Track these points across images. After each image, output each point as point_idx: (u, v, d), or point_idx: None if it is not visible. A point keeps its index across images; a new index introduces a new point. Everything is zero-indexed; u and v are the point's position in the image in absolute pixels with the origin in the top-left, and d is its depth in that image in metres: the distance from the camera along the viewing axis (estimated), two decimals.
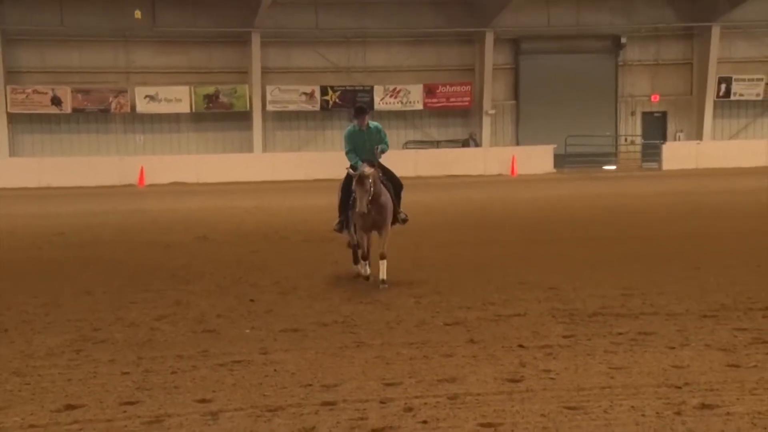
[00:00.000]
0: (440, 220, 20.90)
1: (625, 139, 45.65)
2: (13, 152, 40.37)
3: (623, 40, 44.23)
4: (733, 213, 21.01)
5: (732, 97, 45.00)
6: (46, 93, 40.23)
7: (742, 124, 46.05)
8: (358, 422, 6.32)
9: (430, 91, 43.26)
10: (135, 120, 41.70)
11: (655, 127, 45.71)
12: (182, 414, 6.57)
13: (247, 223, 21.10)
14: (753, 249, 14.80)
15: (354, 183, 11.70)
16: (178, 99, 41.22)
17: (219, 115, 42.11)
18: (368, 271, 12.18)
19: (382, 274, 11.85)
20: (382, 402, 6.77)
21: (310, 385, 7.26)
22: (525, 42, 44.29)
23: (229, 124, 42.38)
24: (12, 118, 40.23)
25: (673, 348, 8.22)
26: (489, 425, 6.21)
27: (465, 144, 43.85)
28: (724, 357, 7.89)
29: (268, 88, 41.95)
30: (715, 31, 43.81)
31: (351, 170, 11.96)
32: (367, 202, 11.54)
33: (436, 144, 44.07)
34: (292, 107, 42.48)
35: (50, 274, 13.78)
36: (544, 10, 43.73)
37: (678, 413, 6.39)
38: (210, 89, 41.64)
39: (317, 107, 42.54)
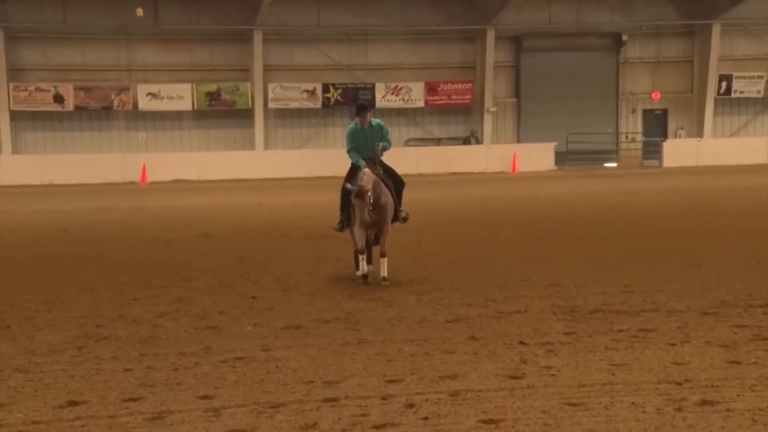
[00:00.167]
0: (441, 218, 20.90)
1: (626, 137, 45.65)
2: (15, 149, 40.41)
3: (624, 37, 44.24)
4: (734, 210, 21.00)
5: (732, 95, 45.01)
6: (49, 90, 40.28)
7: (743, 121, 46.04)
8: (359, 419, 6.33)
9: (431, 88, 43.27)
10: (137, 117, 41.73)
11: (656, 125, 45.72)
12: (184, 410, 6.59)
13: (248, 221, 21.12)
14: (753, 246, 14.81)
15: (353, 197, 11.63)
16: (180, 96, 41.25)
17: (221, 113, 42.14)
18: (365, 268, 12.00)
19: (384, 272, 11.86)
20: (383, 398, 6.78)
21: (312, 381, 7.27)
22: (526, 39, 44.28)
23: (231, 121, 42.40)
24: (15, 116, 40.27)
25: (674, 345, 8.24)
26: (490, 421, 6.22)
27: (466, 141, 43.84)
28: (724, 354, 7.90)
29: (270, 86, 41.97)
30: (716, 28, 43.80)
31: (349, 185, 11.84)
32: (369, 212, 11.54)
33: (438, 141, 44.07)
34: (293, 105, 42.51)
35: (53, 270, 13.80)
36: (545, 8, 43.72)
37: (679, 410, 6.40)
38: (212, 87, 41.67)
39: (319, 105, 42.57)
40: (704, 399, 6.61)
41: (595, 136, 42.91)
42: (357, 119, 12.53)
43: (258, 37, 41.26)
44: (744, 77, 44.86)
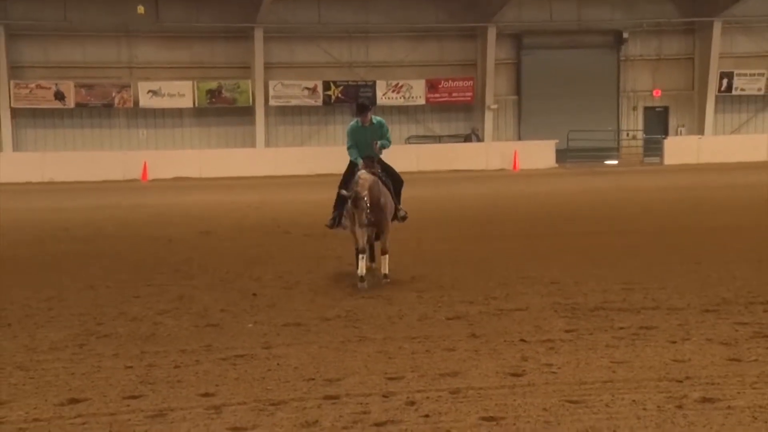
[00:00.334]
0: (442, 215, 20.91)
1: (627, 134, 45.63)
2: (16, 147, 40.40)
3: (625, 35, 44.21)
4: (735, 208, 21.00)
5: (733, 92, 44.97)
6: (50, 88, 40.28)
7: (744, 118, 46.02)
8: (360, 416, 6.34)
9: (432, 86, 43.26)
10: (138, 115, 41.73)
11: (657, 122, 45.70)
12: (185, 408, 6.60)
13: (249, 218, 21.13)
14: (754, 243, 14.81)
15: (350, 203, 11.56)
16: (181, 94, 41.25)
17: (222, 110, 42.12)
18: (363, 270, 11.65)
19: (385, 269, 11.88)
20: (384, 396, 6.79)
21: (313, 379, 7.28)
22: (527, 37, 44.27)
23: (231, 119, 42.39)
24: (15, 113, 40.27)
25: (675, 342, 8.24)
26: (491, 419, 6.23)
27: (467, 139, 43.84)
28: (725, 351, 7.90)
29: (271, 83, 41.97)
30: (717, 26, 43.75)
31: (344, 192, 11.77)
32: (367, 216, 11.44)
33: (438, 139, 44.06)
34: (294, 102, 42.50)
35: (53, 268, 13.80)
36: (546, 6, 43.67)
37: (679, 407, 6.41)
38: (213, 84, 41.67)
39: (320, 102, 42.56)
40: (705, 396, 6.62)
41: (596, 133, 42.91)
42: (358, 118, 12.49)
43: (259, 35, 41.25)
44: (745, 75, 44.83)
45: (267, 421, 6.30)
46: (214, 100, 41.69)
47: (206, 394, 6.91)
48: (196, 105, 41.60)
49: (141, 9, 39.21)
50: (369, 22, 42.95)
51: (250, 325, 9.36)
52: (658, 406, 6.43)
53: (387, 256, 11.98)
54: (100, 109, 41.21)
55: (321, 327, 9.23)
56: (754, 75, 44.81)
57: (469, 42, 44.31)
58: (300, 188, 30.90)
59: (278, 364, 7.78)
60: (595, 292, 10.71)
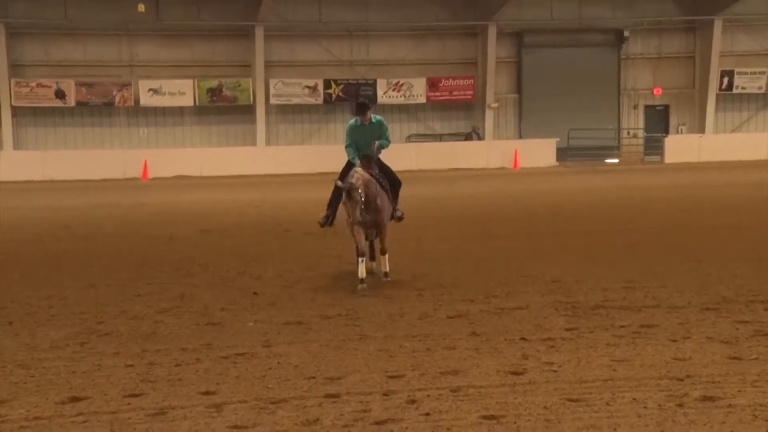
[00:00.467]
0: (443, 214, 20.91)
1: (628, 133, 45.60)
2: (17, 145, 40.39)
3: (626, 33, 44.18)
4: (735, 206, 21.00)
5: (734, 91, 44.92)
6: (50, 86, 40.28)
7: (745, 117, 45.99)
8: (361, 414, 6.35)
9: (433, 84, 43.24)
10: (139, 113, 41.74)
11: (658, 121, 45.68)
12: (186, 406, 6.60)
13: (250, 217, 21.13)
14: (755, 242, 14.82)
15: (344, 196, 11.42)
16: (182, 92, 41.24)
17: (222, 109, 42.12)
18: (363, 272, 11.49)
19: (385, 267, 11.86)
20: (385, 394, 6.80)
21: (314, 377, 7.29)
22: (528, 35, 44.24)
23: (232, 117, 42.38)
24: (16, 112, 40.27)
25: (675, 341, 8.25)
26: (491, 417, 6.24)
27: (468, 137, 43.82)
28: (725, 349, 7.91)
29: (272, 82, 41.96)
30: (718, 24, 43.72)
31: (339, 182, 11.66)
32: (361, 211, 11.26)
33: (439, 137, 44.05)
34: (295, 100, 42.49)
35: (54, 267, 13.82)
36: (547, 4, 43.65)
37: (680, 405, 6.42)
38: (213, 83, 41.67)
39: (320, 101, 42.55)
40: (705, 395, 6.63)
41: (597, 132, 42.88)
42: (357, 116, 12.38)
43: (259, 33, 41.24)
44: (746, 73, 44.79)
45: (268, 419, 6.31)
46: (214, 98, 41.68)
47: (207, 393, 6.92)
48: (197, 103, 41.60)
49: (141, 7, 39.21)
50: (370, 21, 42.94)
51: (251, 324, 9.36)
52: (659, 405, 6.43)
53: (387, 256, 11.94)
54: (101, 107, 41.21)
55: (322, 325, 9.23)
56: (755, 73, 44.78)
57: (470, 40, 44.30)
58: (300, 187, 30.89)
59: (279, 362, 7.78)
60: (595, 291, 10.71)
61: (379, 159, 12.34)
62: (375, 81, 42.70)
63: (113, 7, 40.09)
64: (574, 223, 18.40)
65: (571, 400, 6.56)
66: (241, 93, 41.87)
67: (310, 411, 6.44)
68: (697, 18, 44.38)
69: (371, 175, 11.70)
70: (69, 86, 40.43)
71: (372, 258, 12.41)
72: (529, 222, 18.90)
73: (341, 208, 12.04)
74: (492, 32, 42.88)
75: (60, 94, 40.35)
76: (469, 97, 43.75)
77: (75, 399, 6.82)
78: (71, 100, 40.53)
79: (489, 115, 43.71)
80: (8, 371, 7.64)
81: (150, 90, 40.98)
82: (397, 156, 34.84)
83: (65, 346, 8.47)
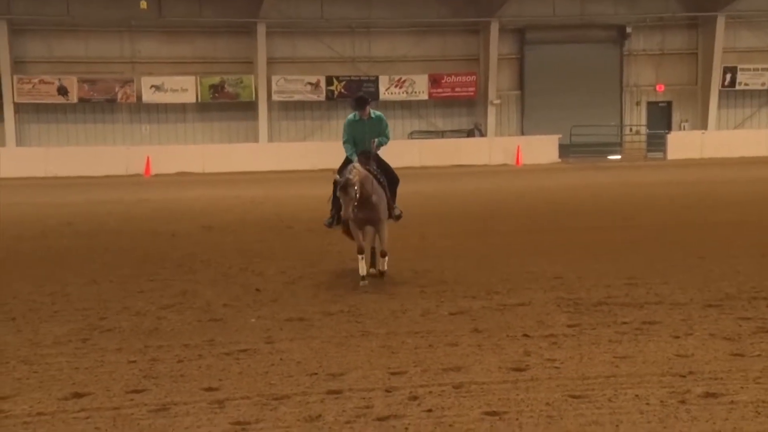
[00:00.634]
0: (445, 210, 20.91)
1: (630, 129, 45.59)
2: (19, 142, 40.42)
3: (628, 29, 44.15)
4: (738, 203, 20.98)
5: (737, 87, 44.90)
6: (53, 83, 40.30)
7: (747, 113, 45.96)
8: (363, 411, 6.35)
9: (435, 81, 43.23)
10: (141, 110, 41.75)
11: (660, 117, 45.65)
12: (189, 402, 6.61)
13: (252, 213, 21.14)
14: (757, 238, 14.80)
15: (339, 190, 11.01)
16: (184, 89, 41.26)
17: (224, 105, 42.14)
18: (364, 270, 11.40)
19: (383, 267, 11.68)
20: (387, 391, 6.80)
21: (316, 373, 7.29)
22: (530, 32, 44.23)
23: (234, 114, 42.40)
24: (19, 108, 40.29)
25: (678, 337, 8.24)
26: (494, 414, 6.24)
27: (470, 134, 43.81)
28: (728, 346, 7.91)
29: (274, 78, 41.96)
30: (720, 20, 43.69)
31: (337, 176, 11.30)
32: (353, 208, 10.91)
33: (441, 134, 44.05)
34: (297, 97, 42.50)
35: (57, 263, 13.82)
36: (549, 0, 43.62)
37: (682, 402, 6.41)
38: (215, 79, 41.68)
39: (322, 97, 42.55)
40: (708, 391, 6.62)
41: (599, 128, 42.83)
42: (356, 111, 12.07)
43: (261, 30, 41.22)
44: (748, 69, 44.76)
45: (270, 415, 6.31)
46: (217, 95, 41.70)
47: (209, 389, 6.92)
48: (199, 100, 41.61)
49: (144, 4, 39.21)
50: (372, 17, 42.92)
51: (253, 320, 9.37)
52: (661, 401, 6.43)
53: (386, 258, 11.67)
54: (103, 104, 41.23)
55: (324, 322, 9.24)
56: (757, 70, 44.75)
57: (472, 37, 44.28)
58: (303, 183, 30.87)
59: (281, 358, 7.79)
60: (597, 287, 10.71)
61: (377, 155, 12.07)
62: (377, 78, 42.70)
63: (115, 3, 40.11)
64: (576, 220, 18.39)
65: (574, 397, 6.56)
66: (244, 89, 41.88)
67: (313, 407, 6.45)
68: (699, 14, 44.35)
69: (369, 171, 11.46)
70: (71, 83, 40.45)
71: (372, 264, 11.97)
72: (532, 219, 18.89)
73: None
74: (494, 29, 42.86)
75: (62, 91, 40.37)
76: (472, 93, 43.74)
77: (78, 395, 6.82)
78: (74, 97, 40.55)
79: (491, 112, 43.70)
80: (11, 367, 7.65)
81: (152, 86, 40.99)
82: (400, 152, 34.92)
83: (68, 342, 8.48)
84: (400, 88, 42.82)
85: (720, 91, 44.69)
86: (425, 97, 43.31)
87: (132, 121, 41.92)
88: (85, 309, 10.06)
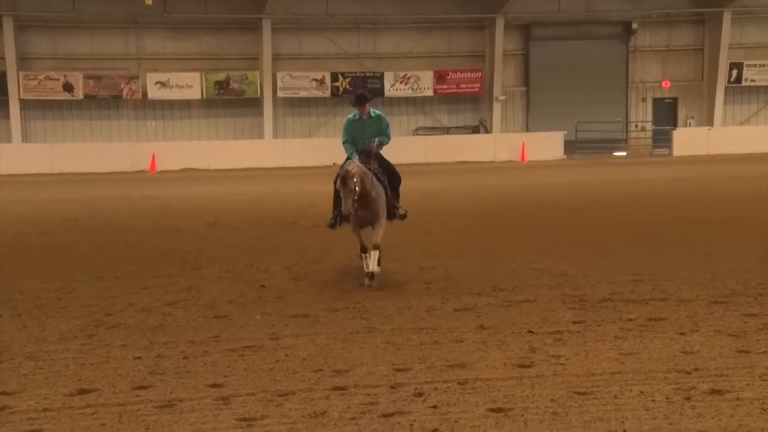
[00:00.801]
0: (450, 207, 20.90)
1: (636, 125, 45.54)
2: (25, 138, 40.51)
3: (634, 25, 44.10)
4: (744, 199, 20.95)
5: (743, 83, 44.83)
6: (58, 79, 40.35)
7: (753, 109, 45.87)
8: (368, 407, 6.35)
9: (440, 77, 43.22)
10: (146, 106, 41.79)
11: (666, 113, 45.59)
12: (194, 398, 6.62)
13: (257, 209, 21.15)
14: (764, 235, 14.79)
15: (338, 183, 10.77)
16: (189, 85, 41.30)
17: (230, 102, 42.18)
18: (369, 266, 11.19)
19: (373, 266, 10.98)
20: (392, 387, 6.80)
21: (321, 370, 7.30)
22: (535, 28, 44.19)
23: (239, 110, 42.44)
24: (24, 104, 40.36)
25: (683, 334, 8.23)
26: (499, 410, 6.24)
27: (475, 130, 43.79)
28: (734, 343, 7.90)
29: (279, 75, 41.98)
30: (727, 16, 43.61)
31: (339, 170, 11.05)
32: (353, 202, 10.66)
33: (446, 130, 44.04)
34: (302, 93, 42.51)
35: (63, 259, 13.85)
36: None
37: (688, 398, 6.41)
38: (221, 76, 41.70)
39: (328, 93, 42.56)
40: (713, 388, 6.62)
41: (605, 124, 42.83)
42: (356, 109, 11.85)
43: (267, 26, 41.25)
44: (755, 65, 44.67)
45: (275, 411, 6.32)
46: (222, 91, 41.73)
47: (215, 385, 6.93)
48: (204, 96, 41.65)
49: (149, 0, 39.20)
50: (377, 14, 42.89)
51: (258, 317, 9.37)
52: (667, 398, 6.42)
53: (377, 252, 11.05)
54: (109, 100, 41.29)
55: (329, 318, 9.24)
56: (764, 66, 44.65)
57: (478, 33, 44.24)
58: (307, 180, 30.85)
59: (286, 355, 7.80)
60: (603, 284, 10.70)
61: (379, 154, 11.81)
62: (382, 74, 42.70)
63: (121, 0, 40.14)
64: (581, 216, 18.37)
65: (579, 393, 6.55)
66: (249, 86, 41.91)
67: (318, 403, 6.45)
68: (705, 10, 44.27)
69: (369, 169, 11.22)
70: (77, 79, 40.51)
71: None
72: (537, 215, 18.87)
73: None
74: (499, 25, 42.82)
75: (68, 87, 40.43)
76: (477, 89, 43.71)
77: (83, 391, 6.84)
78: (79, 93, 40.61)
79: (496, 108, 43.69)
80: (17, 363, 7.66)
81: (157, 83, 41.04)
82: (405, 149, 34.94)
83: (74, 338, 8.50)
84: (406, 84, 42.81)
85: (726, 88, 44.61)
86: (430, 93, 43.30)
87: (137, 117, 41.97)
88: (90, 305, 10.07)
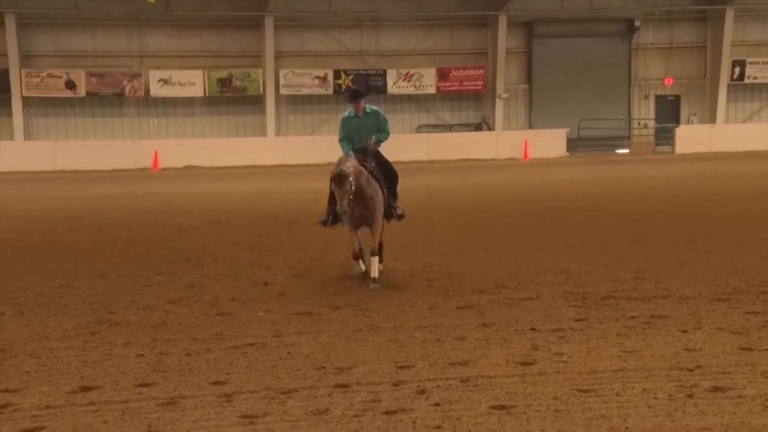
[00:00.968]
0: (453, 204, 20.89)
1: (638, 123, 45.48)
2: (28, 136, 40.49)
3: (637, 23, 44.03)
4: (747, 197, 20.93)
5: (746, 80, 44.73)
6: (61, 77, 40.35)
7: (756, 107, 45.80)
8: (371, 404, 6.36)
9: (443, 74, 43.17)
10: (149, 104, 41.78)
11: (669, 111, 45.53)
12: (197, 396, 6.62)
13: (260, 207, 21.16)
14: (766, 232, 14.78)
15: (332, 183, 10.53)
16: (192, 83, 41.28)
17: (232, 99, 42.16)
18: (363, 268, 11.33)
19: (374, 272, 10.84)
20: (395, 384, 6.81)
21: (324, 367, 7.30)
22: (538, 25, 44.13)
23: (242, 107, 42.42)
24: (27, 102, 40.36)
25: (686, 331, 8.24)
26: (501, 407, 6.24)
27: (478, 128, 43.75)
28: (736, 340, 7.90)
29: (282, 72, 41.96)
30: (729, 13, 43.53)
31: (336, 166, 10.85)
32: (348, 202, 10.40)
33: (449, 128, 44.00)
34: (305, 91, 42.48)
35: (65, 256, 13.86)
36: None
37: (690, 396, 6.41)
38: (223, 73, 41.68)
39: (330, 91, 42.51)
40: (716, 385, 6.62)
41: (607, 122, 42.77)
42: (351, 106, 11.66)
43: (269, 24, 41.21)
44: (757, 63, 44.58)
45: (278, 409, 6.32)
46: (224, 88, 41.70)
47: (217, 383, 6.94)
48: (207, 94, 41.62)
49: None
50: (380, 11, 42.86)
51: (261, 314, 9.38)
52: (669, 395, 6.43)
53: (377, 258, 10.92)
54: (111, 98, 41.28)
55: (331, 316, 9.25)
56: (766, 63, 44.55)
57: (480, 30, 44.20)
58: (310, 177, 30.80)
59: (289, 352, 7.80)
60: (605, 281, 10.70)
61: (377, 152, 11.60)
62: (385, 71, 42.67)
63: None
64: (583, 214, 18.37)
65: (581, 391, 6.56)
66: (251, 83, 41.88)
67: (320, 401, 6.46)
68: (708, 7, 44.18)
69: (365, 168, 10.98)
70: (79, 76, 40.50)
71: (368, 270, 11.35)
72: (539, 213, 18.87)
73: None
74: (502, 22, 42.77)
75: (70, 85, 40.43)
76: (479, 87, 43.66)
77: (86, 388, 6.85)
78: (81, 91, 40.60)
79: (499, 106, 43.63)
80: (20, 360, 7.67)
81: (160, 80, 41.03)
82: (407, 146, 34.91)
83: (76, 336, 8.51)
84: (408, 81, 42.77)
85: (729, 85, 44.52)
86: (433, 90, 43.26)
87: (140, 114, 41.96)
88: (93, 303, 10.09)
